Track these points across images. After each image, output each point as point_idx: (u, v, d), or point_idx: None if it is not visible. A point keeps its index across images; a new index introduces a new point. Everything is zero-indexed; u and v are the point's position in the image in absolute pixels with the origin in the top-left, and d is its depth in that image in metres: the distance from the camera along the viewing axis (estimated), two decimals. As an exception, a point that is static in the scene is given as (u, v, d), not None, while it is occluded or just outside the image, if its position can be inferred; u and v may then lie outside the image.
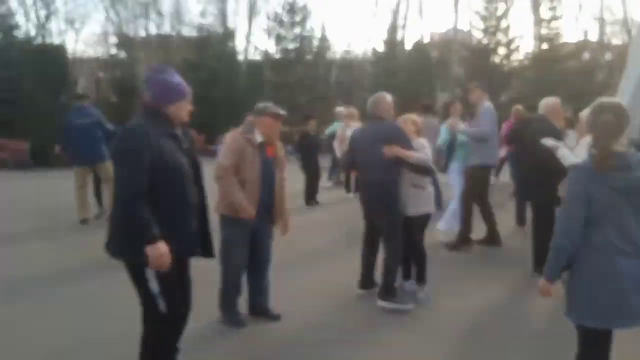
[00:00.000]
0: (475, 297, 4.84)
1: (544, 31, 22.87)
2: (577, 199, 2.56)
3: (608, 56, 23.49)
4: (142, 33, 35.89)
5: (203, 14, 25.67)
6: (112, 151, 2.98)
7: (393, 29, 26.43)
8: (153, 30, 35.66)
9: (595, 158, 2.54)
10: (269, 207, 4.17)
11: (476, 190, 6.39)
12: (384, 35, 26.76)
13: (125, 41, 32.40)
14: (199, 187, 3.05)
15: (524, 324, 4.32)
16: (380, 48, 26.59)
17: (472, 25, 25.74)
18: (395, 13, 30.72)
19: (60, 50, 17.42)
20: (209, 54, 24.57)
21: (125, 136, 2.84)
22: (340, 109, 11.59)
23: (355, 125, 10.00)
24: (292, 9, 25.40)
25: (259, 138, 4.07)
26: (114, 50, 29.98)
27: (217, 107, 19.41)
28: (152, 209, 2.71)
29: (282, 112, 4.18)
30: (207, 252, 3.14)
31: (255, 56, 27.35)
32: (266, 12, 32.94)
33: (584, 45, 25.57)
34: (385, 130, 4.56)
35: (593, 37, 30.13)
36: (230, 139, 4.10)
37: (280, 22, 25.67)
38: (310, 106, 25.06)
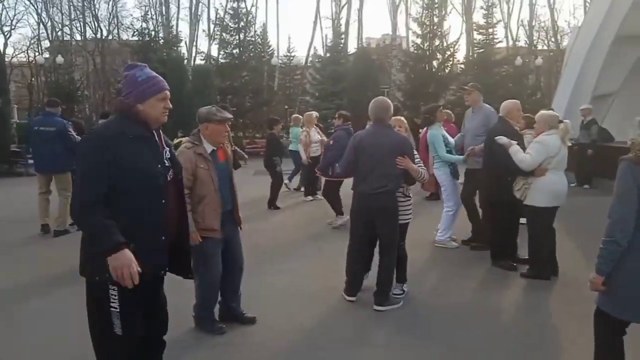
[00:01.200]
0: (457, 294, 5.04)
1: (479, 37, 24.04)
2: (629, 192, 2.60)
3: (538, 61, 24.95)
4: (77, 37, 35.08)
5: (145, 18, 25.14)
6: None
7: (336, 35, 26.96)
8: (89, 35, 34.97)
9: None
10: (232, 212, 4.07)
11: (467, 192, 6.60)
12: (325, 41, 27.26)
13: (60, 45, 31.51)
14: (179, 201, 2.79)
15: (504, 317, 4.49)
16: (322, 53, 27.13)
17: (412, 31, 26.62)
18: (335, 20, 31.53)
19: (-6, 54, 16.57)
20: (152, 58, 24.25)
21: (82, 140, 2.70)
22: (296, 115, 11.81)
23: (314, 129, 10.34)
24: (235, 14, 25.45)
25: (208, 147, 3.90)
26: (46, 55, 29.06)
27: (164, 112, 19.23)
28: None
29: (227, 115, 3.99)
30: (183, 271, 2.86)
31: (198, 61, 27.29)
32: (209, 17, 33.28)
33: (515, 50, 27.08)
34: (399, 141, 4.60)
35: (520, 42, 32.27)
36: (180, 157, 3.49)
37: (225, 27, 25.68)
38: (257, 111, 25.34)
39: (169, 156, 2.71)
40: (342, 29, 29.72)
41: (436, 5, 26.40)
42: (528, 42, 28.88)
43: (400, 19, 35.94)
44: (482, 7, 25.12)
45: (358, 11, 34.88)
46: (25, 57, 35.87)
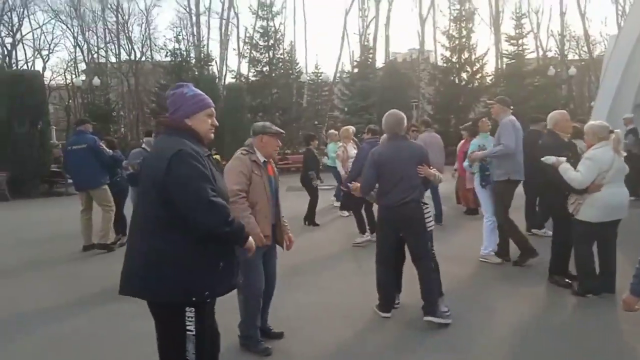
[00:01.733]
0: (502, 312, 4.85)
1: (511, 48, 23.75)
2: None
3: (572, 71, 24.46)
4: (112, 59, 36.06)
5: (177, 39, 25.68)
6: (170, 179, 2.46)
7: (364, 50, 27.05)
8: (123, 56, 35.94)
9: None
10: (274, 227, 4.10)
11: (501, 205, 6.33)
12: (353, 57, 27.30)
13: (96, 67, 32.44)
14: None
15: (565, 336, 4.25)
16: (350, 69, 27.16)
17: (440, 44, 26.53)
18: (363, 35, 31.68)
19: (36, 77, 17.08)
20: (185, 78, 24.73)
21: (178, 157, 2.46)
22: (332, 131, 11.82)
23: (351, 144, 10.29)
24: (265, 32, 25.79)
25: (261, 158, 4.04)
26: (82, 77, 29.92)
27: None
28: (188, 242, 2.47)
29: (281, 130, 4.21)
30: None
31: (228, 79, 27.68)
32: (238, 36, 33.83)
33: (547, 61, 26.65)
34: (418, 150, 4.73)
35: (551, 52, 31.71)
36: (236, 161, 3.97)
37: (255, 46, 26.02)
38: (287, 128, 25.46)
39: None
40: (370, 44, 29.80)
41: (464, 18, 26.27)
42: (559, 52, 28.35)
43: (428, 33, 35.86)
44: (512, 18, 24.86)
45: (385, 26, 35.00)
46: (63, 79, 37.00)
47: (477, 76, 25.55)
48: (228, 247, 2.63)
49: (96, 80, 25.29)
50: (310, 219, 9.51)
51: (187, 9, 34.17)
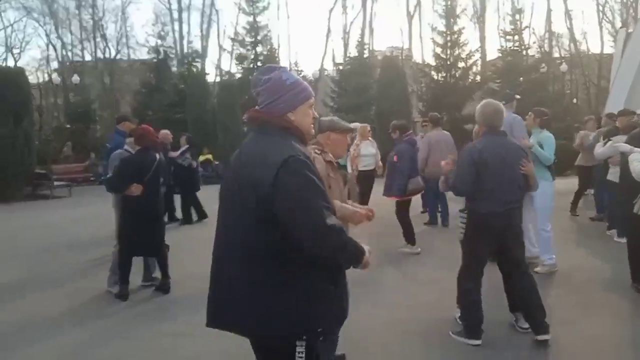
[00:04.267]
0: (588, 325, 4.36)
1: (508, 44, 23.53)
2: None
3: (563, 67, 24.39)
4: (88, 57, 34.68)
5: (160, 35, 24.67)
6: (279, 195, 1.98)
7: (361, 45, 26.50)
8: (99, 55, 34.57)
9: None
10: None
11: None
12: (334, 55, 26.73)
13: (70, 66, 31.14)
14: None
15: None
16: (333, 66, 26.62)
17: (432, 40, 26.14)
18: (347, 33, 31.25)
19: (20, 73, 16.00)
20: (170, 75, 23.92)
21: (294, 165, 1.99)
22: (355, 124, 11.11)
23: (368, 142, 9.63)
24: (252, 28, 25.00)
25: (330, 157, 3.48)
26: (54, 75, 28.65)
27: (188, 129, 18.58)
28: (298, 267, 2.04)
29: (351, 125, 3.71)
30: None
31: (213, 76, 26.84)
32: (219, 32, 33.00)
33: (542, 57, 26.60)
34: (516, 147, 4.13)
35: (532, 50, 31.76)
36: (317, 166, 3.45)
37: (241, 42, 25.21)
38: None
39: None
40: (359, 41, 29.22)
41: (457, 15, 26.02)
42: (548, 49, 28.36)
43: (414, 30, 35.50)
44: (508, 13, 24.79)
45: (369, 23, 34.56)
46: (35, 78, 35.43)
47: (470, 72, 25.25)
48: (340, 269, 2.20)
49: (75, 78, 24.16)
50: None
51: (167, 6, 33.15)
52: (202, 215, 9.82)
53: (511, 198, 3.92)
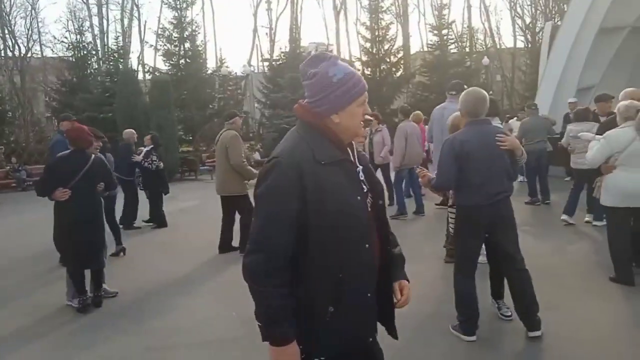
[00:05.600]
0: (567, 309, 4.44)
1: (434, 38, 24.33)
2: None
3: (485, 60, 25.56)
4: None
5: (80, 31, 23.23)
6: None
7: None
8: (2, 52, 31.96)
9: None
10: None
11: None
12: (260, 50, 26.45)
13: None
14: (382, 238, 2.00)
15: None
16: (271, 61, 26.28)
17: (361, 36, 26.61)
18: (273, 29, 30.98)
19: None
20: (91, 73, 22.64)
21: (264, 170, 1.86)
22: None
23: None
24: (179, 24, 24.08)
25: None
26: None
27: (117, 128, 17.65)
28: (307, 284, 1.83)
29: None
30: (390, 332, 2.10)
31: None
32: (140, 28, 31.64)
33: (467, 51, 27.71)
34: (495, 130, 3.90)
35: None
36: None
37: (169, 38, 24.23)
38: (209, 123, 24.14)
39: (363, 177, 1.96)
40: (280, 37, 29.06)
41: (383, 10, 26.65)
42: (469, 43, 29.60)
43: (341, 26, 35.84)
44: (434, 9, 25.66)
45: (295, 19, 34.51)
46: None
47: (399, 67, 25.87)
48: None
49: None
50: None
51: (84, 1, 31.33)
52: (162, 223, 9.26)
53: (499, 189, 3.78)
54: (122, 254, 7.09)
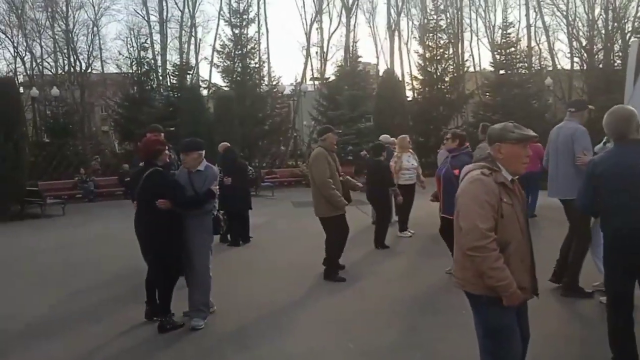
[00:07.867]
0: None
1: (499, 57, 23.68)
2: None
3: (548, 81, 24.74)
4: (59, 70, 33.17)
5: (143, 47, 23.84)
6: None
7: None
8: (65, 67, 33.11)
9: None
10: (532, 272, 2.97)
11: None
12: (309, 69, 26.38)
13: (42, 79, 29.75)
14: None
15: None
16: (327, 79, 26.27)
17: (418, 54, 26.35)
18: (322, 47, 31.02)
19: (10, 83, 14.93)
20: (153, 88, 23.17)
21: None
22: (385, 136, 10.75)
23: (407, 154, 9.29)
24: (238, 41, 24.41)
25: (508, 176, 2.87)
26: (33, 90, 27.28)
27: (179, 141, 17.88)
28: None
29: (530, 133, 2.89)
30: None
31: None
32: (197, 44, 32.28)
33: (534, 71, 27.01)
34: None
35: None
36: (477, 184, 2.79)
37: (228, 55, 24.57)
38: (270, 139, 24.36)
39: None
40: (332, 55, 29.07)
41: (442, 29, 26.37)
42: (528, 64, 28.81)
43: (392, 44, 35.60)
44: (499, 27, 25.22)
45: (346, 37, 34.52)
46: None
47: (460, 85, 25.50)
48: None
49: (55, 91, 22.96)
50: (380, 241, 8.34)
51: (146, 17, 32.22)
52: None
53: None
54: None
